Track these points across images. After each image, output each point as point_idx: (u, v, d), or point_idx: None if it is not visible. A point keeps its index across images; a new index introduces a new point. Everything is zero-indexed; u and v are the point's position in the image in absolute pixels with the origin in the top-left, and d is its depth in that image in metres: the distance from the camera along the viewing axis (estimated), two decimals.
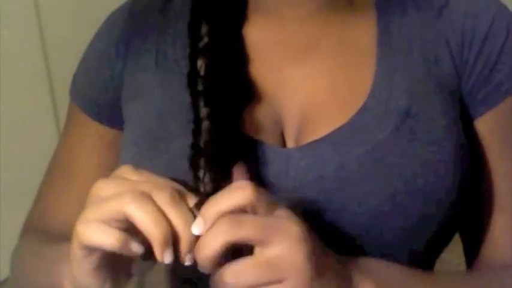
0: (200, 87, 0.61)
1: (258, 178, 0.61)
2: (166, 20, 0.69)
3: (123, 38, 0.70)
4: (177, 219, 0.51)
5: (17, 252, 0.76)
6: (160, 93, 0.66)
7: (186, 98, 0.63)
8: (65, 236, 0.71)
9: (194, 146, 0.59)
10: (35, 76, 2.11)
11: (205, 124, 0.59)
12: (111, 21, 0.73)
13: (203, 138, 0.58)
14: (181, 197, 0.53)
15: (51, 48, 2.14)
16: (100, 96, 0.71)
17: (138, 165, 0.63)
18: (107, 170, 0.71)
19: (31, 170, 2.08)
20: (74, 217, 0.73)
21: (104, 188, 0.53)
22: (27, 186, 1.98)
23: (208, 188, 0.56)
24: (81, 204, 0.73)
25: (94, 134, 0.72)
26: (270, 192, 0.60)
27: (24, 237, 0.77)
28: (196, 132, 0.60)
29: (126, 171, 0.55)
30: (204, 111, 0.60)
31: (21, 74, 2.05)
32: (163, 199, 0.51)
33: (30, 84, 2.09)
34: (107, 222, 0.51)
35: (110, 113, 0.71)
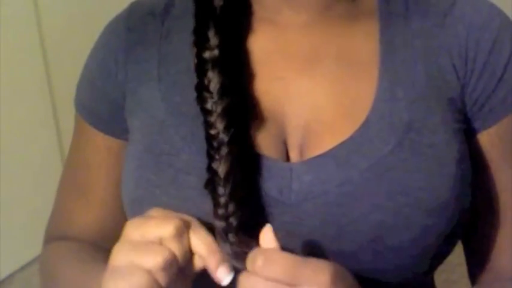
0: (214, 107, 0.60)
1: (260, 193, 0.60)
2: (166, 28, 0.68)
3: (123, 48, 0.69)
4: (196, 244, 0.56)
5: (45, 260, 0.76)
6: (163, 106, 0.65)
7: (190, 110, 0.63)
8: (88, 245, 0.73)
9: (211, 170, 0.59)
10: (34, 77, 2.11)
11: (224, 150, 0.59)
12: (109, 30, 0.72)
13: (223, 166, 0.59)
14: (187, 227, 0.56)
15: (50, 49, 2.14)
16: (104, 108, 0.70)
17: (142, 178, 0.63)
18: (119, 180, 0.71)
19: (31, 171, 2.08)
20: (89, 224, 0.75)
21: (115, 258, 0.56)
22: (27, 187, 1.98)
23: (230, 214, 0.58)
24: (96, 214, 0.75)
25: (102, 147, 0.72)
26: (273, 207, 0.60)
27: (49, 247, 0.77)
28: (212, 156, 0.59)
29: (130, 231, 0.57)
30: (223, 137, 0.59)
31: (21, 75, 2.05)
32: (171, 233, 0.55)
33: (30, 84, 2.09)
34: None
35: (115, 124, 0.70)
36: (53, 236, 0.77)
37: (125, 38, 0.69)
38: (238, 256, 0.56)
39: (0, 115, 1.98)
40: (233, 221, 0.57)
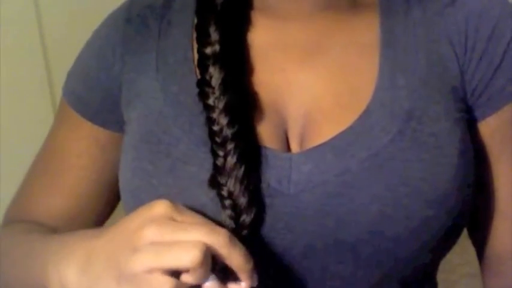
0: (216, 103, 0.60)
1: (260, 183, 0.60)
2: (166, 21, 0.68)
3: (121, 39, 0.69)
4: (237, 259, 0.54)
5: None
6: (161, 96, 0.65)
7: (188, 100, 0.63)
8: (45, 227, 0.71)
9: (216, 167, 0.59)
10: (35, 76, 2.11)
11: (229, 146, 0.59)
12: (109, 22, 0.72)
13: (229, 163, 0.58)
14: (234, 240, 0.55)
15: (51, 49, 2.14)
16: (96, 97, 0.70)
17: (138, 168, 0.63)
18: (97, 173, 0.71)
19: None
20: (58, 211, 0.73)
21: (155, 232, 0.53)
22: None
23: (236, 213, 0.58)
24: (67, 202, 0.73)
25: (88, 137, 0.71)
26: (272, 198, 0.60)
27: (6, 228, 0.76)
28: (216, 153, 0.59)
29: (167, 209, 0.55)
30: (227, 133, 0.59)
31: (21, 75, 2.05)
32: (222, 243, 0.53)
33: (30, 84, 2.09)
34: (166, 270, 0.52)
35: (103, 114, 0.70)
36: (12, 220, 0.76)
37: (123, 30, 0.69)
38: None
39: (0, 115, 1.98)
40: (245, 218, 0.57)
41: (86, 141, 0.71)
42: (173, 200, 0.59)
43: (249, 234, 0.58)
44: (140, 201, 0.62)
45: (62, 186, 0.73)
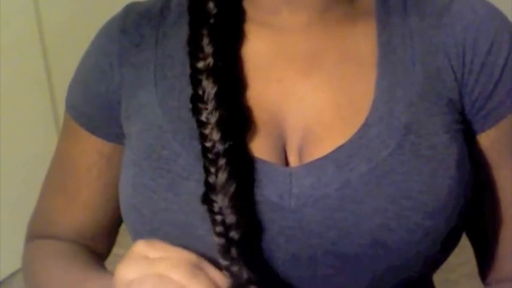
0: (209, 118, 0.60)
1: (260, 198, 0.60)
2: (162, 32, 0.67)
3: (117, 51, 0.68)
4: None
5: (29, 259, 0.76)
6: (160, 111, 0.65)
7: (187, 115, 0.62)
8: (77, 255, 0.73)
9: (207, 184, 0.59)
10: (34, 76, 2.11)
11: (220, 162, 0.59)
12: (103, 33, 0.71)
13: (220, 179, 0.58)
14: (200, 269, 0.55)
15: (51, 48, 2.14)
16: (96, 111, 0.69)
17: (139, 184, 0.63)
18: (108, 184, 0.71)
19: (31, 171, 2.08)
20: (76, 226, 0.74)
21: (126, 272, 0.55)
22: (27, 186, 1.98)
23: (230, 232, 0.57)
24: (84, 216, 0.74)
25: (93, 149, 0.71)
26: (273, 212, 0.60)
27: (32, 244, 0.77)
28: (208, 170, 0.59)
29: (141, 248, 0.56)
30: (220, 148, 0.59)
31: (21, 74, 2.05)
32: (181, 276, 0.53)
33: (30, 84, 2.09)
34: None
35: (105, 127, 0.69)
36: (35, 235, 0.77)
37: (119, 41, 0.68)
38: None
39: (0, 115, 1.98)
40: (234, 235, 0.57)
41: (93, 154, 0.71)
42: (173, 214, 0.60)
43: (240, 251, 0.57)
44: (141, 216, 0.62)
45: (78, 201, 0.73)
